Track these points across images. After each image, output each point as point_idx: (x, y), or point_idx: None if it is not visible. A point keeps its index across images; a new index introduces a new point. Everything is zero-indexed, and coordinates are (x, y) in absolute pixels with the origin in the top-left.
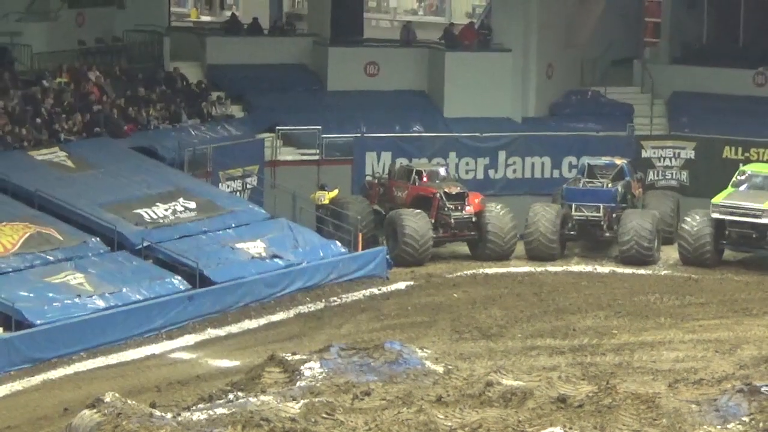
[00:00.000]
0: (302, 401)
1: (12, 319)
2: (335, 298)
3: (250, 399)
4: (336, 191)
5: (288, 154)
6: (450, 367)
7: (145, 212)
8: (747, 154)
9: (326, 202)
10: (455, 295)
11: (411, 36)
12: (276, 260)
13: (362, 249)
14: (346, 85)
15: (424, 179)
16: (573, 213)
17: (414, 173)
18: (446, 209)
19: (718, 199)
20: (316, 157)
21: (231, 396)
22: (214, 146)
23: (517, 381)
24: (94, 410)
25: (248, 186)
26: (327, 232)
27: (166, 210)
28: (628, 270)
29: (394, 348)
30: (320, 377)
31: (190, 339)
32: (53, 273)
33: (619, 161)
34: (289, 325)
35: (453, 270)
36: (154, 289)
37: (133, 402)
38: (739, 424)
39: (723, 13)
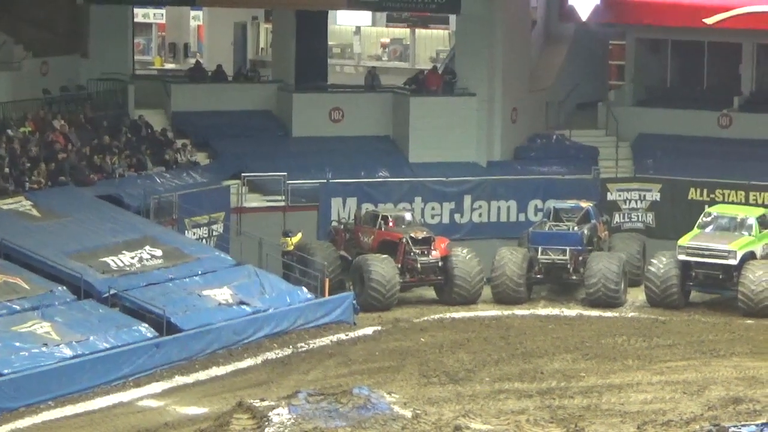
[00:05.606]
0: None
1: None
2: (302, 344)
3: None
4: (299, 235)
5: (254, 201)
6: (418, 411)
7: (112, 260)
8: (712, 196)
9: (291, 247)
10: (422, 339)
11: (375, 81)
12: (243, 307)
13: (329, 295)
14: (311, 131)
15: (390, 224)
16: (539, 256)
17: (380, 218)
18: (412, 254)
19: (685, 240)
20: (282, 204)
21: None
22: (179, 194)
23: (485, 425)
24: None
25: (214, 233)
26: (294, 278)
27: (132, 258)
28: (595, 312)
29: (362, 393)
30: (289, 423)
31: (157, 387)
32: (20, 322)
33: (584, 204)
34: (257, 372)
35: (420, 315)
36: (121, 337)
37: None
38: None
39: (686, 56)
